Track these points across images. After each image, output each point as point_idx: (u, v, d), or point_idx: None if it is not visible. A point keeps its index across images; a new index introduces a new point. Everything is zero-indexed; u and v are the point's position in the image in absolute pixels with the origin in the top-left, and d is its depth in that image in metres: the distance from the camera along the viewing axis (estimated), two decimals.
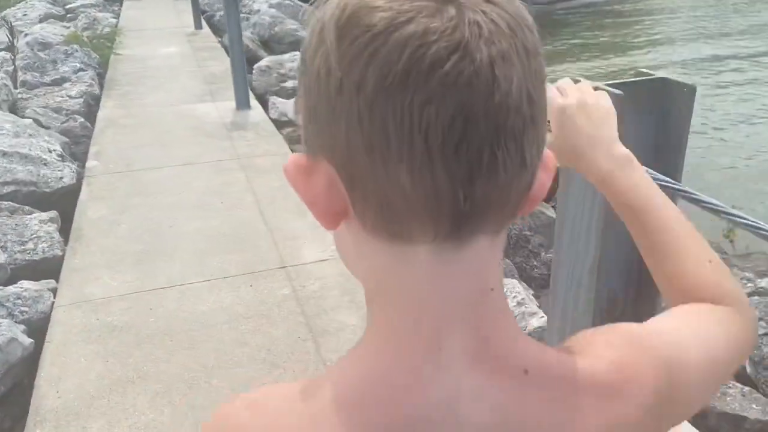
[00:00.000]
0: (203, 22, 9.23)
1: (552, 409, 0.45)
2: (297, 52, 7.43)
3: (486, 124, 0.38)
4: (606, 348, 0.49)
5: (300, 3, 10.86)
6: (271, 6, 9.99)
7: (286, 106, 5.43)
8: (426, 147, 0.38)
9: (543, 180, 0.45)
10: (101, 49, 7.13)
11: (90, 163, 4.20)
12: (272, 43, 8.65)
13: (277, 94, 6.00)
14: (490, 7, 0.40)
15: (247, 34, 8.28)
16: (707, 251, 0.65)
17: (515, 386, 0.44)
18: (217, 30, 9.36)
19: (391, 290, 0.44)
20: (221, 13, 10.30)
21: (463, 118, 0.38)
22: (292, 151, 4.54)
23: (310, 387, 0.46)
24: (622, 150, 0.70)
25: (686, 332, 0.56)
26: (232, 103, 5.38)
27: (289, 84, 6.13)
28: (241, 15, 10.26)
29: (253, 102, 5.46)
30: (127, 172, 4.05)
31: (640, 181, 0.68)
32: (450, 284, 0.43)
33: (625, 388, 0.47)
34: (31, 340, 2.45)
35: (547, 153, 0.45)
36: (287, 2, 10.72)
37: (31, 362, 2.41)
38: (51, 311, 2.65)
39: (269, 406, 0.47)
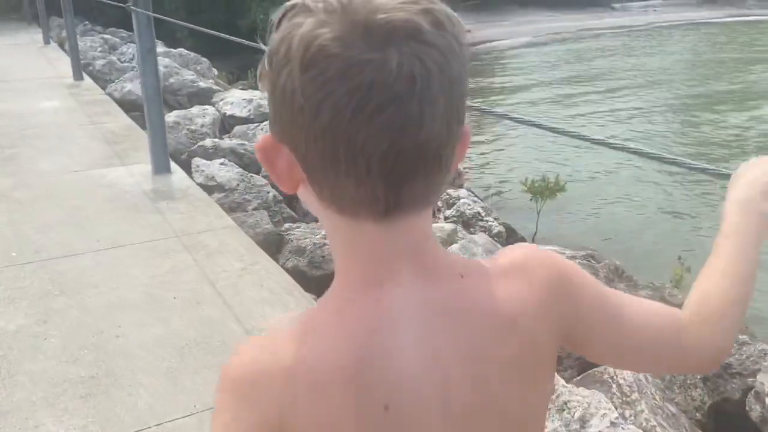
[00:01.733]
0: (83, 73, 8.26)
1: (483, 295, 0.62)
2: (206, 106, 6.78)
3: (413, 154, 0.53)
4: (513, 251, 0.68)
5: (192, 53, 10.17)
6: (160, 55, 9.22)
7: (212, 169, 4.79)
8: (367, 168, 0.53)
9: (460, 155, 0.60)
10: None
11: None
12: (167, 95, 7.88)
13: (194, 154, 5.32)
14: (426, 51, 0.52)
15: (130, 87, 7.49)
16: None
17: (455, 286, 0.61)
18: (99, 81, 8.42)
19: (348, 244, 0.60)
20: (100, 61, 9.34)
21: (395, 151, 0.53)
22: (234, 221, 3.93)
23: (305, 317, 0.62)
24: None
25: (600, 287, 0.69)
26: (148, 167, 4.65)
27: (208, 143, 5.47)
28: (122, 64, 9.38)
29: (172, 165, 4.76)
30: (39, 263, 3.24)
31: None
32: (391, 242, 0.58)
33: (521, 274, 0.64)
34: None
35: (464, 129, 0.59)
36: (178, 52, 9.97)
37: None
38: None
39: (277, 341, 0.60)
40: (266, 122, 6.63)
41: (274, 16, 0.56)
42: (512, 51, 19.96)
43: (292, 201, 4.78)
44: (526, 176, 6.68)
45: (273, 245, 4.08)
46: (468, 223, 4.44)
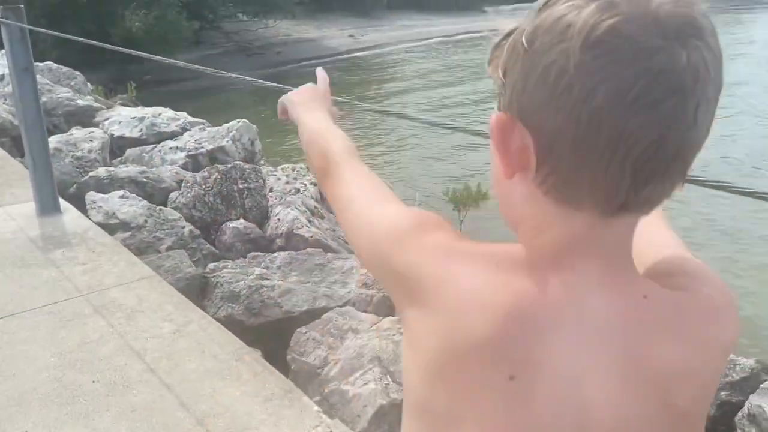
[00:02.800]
0: None
1: (664, 329, 0.58)
2: (91, 129, 5.97)
3: (672, 151, 0.53)
4: (702, 284, 0.62)
5: (64, 66, 9.11)
6: None
7: (111, 204, 4.11)
8: (623, 158, 0.52)
9: None
10: None
11: None
12: None
13: (86, 187, 4.59)
14: (708, 52, 0.51)
15: None
16: None
17: (634, 306, 0.57)
18: None
19: (547, 236, 0.58)
20: None
21: (659, 145, 0.52)
22: (148, 266, 3.32)
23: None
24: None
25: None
26: (31, 206, 3.91)
27: (101, 172, 4.74)
28: None
29: (62, 202, 4.03)
30: None
31: None
32: (603, 240, 0.57)
33: (719, 317, 0.61)
34: None
35: None
36: (46, 65, 8.90)
37: None
38: None
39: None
40: (164, 142, 5.95)
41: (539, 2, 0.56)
42: (407, 54, 20.02)
43: (209, 235, 4.21)
44: (448, 186, 6.47)
45: (197, 291, 3.51)
46: None
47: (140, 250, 3.79)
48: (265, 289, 3.34)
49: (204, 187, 4.29)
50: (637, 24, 0.50)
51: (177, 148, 5.68)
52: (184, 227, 3.99)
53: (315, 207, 4.67)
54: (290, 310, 3.21)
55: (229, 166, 4.39)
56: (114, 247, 3.50)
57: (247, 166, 4.49)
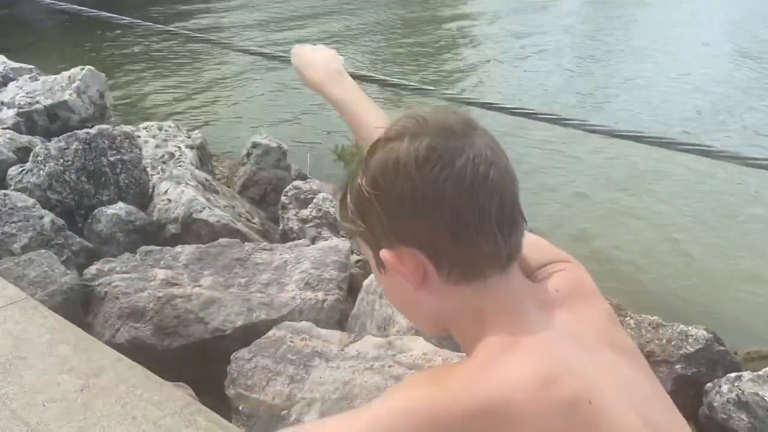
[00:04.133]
0: None
1: (578, 301, 0.79)
2: None
3: (512, 205, 0.71)
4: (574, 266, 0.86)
5: None
6: None
7: None
8: (490, 225, 0.69)
9: None
10: None
11: None
12: None
13: None
14: (485, 134, 0.73)
15: None
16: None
17: (564, 311, 0.75)
18: None
19: (479, 308, 0.72)
20: None
21: (502, 203, 0.70)
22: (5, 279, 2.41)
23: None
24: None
25: None
26: None
27: None
28: None
29: None
30: None
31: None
32: (515, 287, 0.73)
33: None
34: None
35: None
36: None
37: None
38: None
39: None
40: None
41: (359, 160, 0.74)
42: None
43: (74, 224, 3.27)
44: (336, 143, 5.87)
45: (77, 306, 2.66)
46: (335, 225, 3.49)
47: None
48: (179, 299, 2.59)
49: (62, 161, 3.31)
50: (442, 136, 0.70)
51: (2, 103, 4.46)
52: (42, 217, 3.03)
53: (206, 179, 3.86)
54: (220, 327, 2.52)
55: (92, 132, 3.41)
56: None
57: (115, 131, 3.54)
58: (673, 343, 3.18)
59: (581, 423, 0.63)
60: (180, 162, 4.24)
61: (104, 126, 3.59)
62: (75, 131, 3.45)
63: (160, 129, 4.73)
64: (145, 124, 4.86)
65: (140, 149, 3.64)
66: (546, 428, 0.61)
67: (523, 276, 0.76)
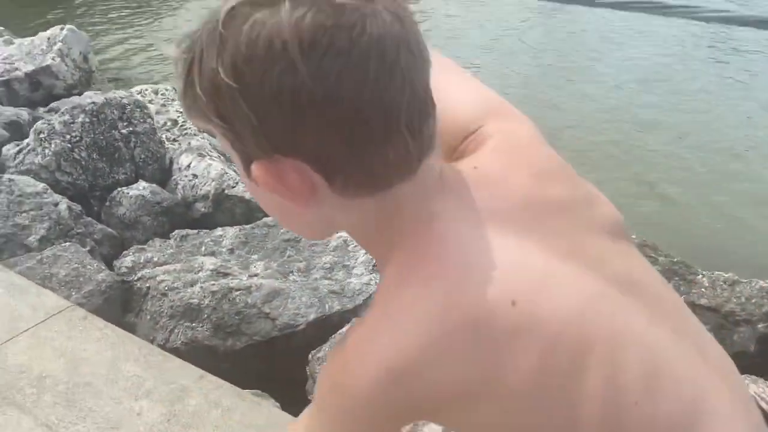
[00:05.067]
0: None
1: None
2: None
3: (423, 92, 0.56)
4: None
5: None
6: None
7: None
8: (397, 124, 0.53)
9: None
10: None
11: None
12: None
13: None
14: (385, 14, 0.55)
15: None
16: None
17: (486, 196, 0.64)
18: None
19: (387, 222, 0.59)
20: None
21: (414, 94, 0.54)
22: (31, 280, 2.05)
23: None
24: None
25: None
26: None
27: None
28: None
29: None
30: None
31: None
32: (426, 189, 0.59)
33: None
34: None
35: None
36: None
37: None
38: None
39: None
40: None
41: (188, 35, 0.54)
42: None
43: (90, 209, 2.87)
44: None
45: (118, 308, 2.32)
46: None
47: None
48: (237, 292, 2.26)
49: (69, 137, 2.88)
50: (328, 11, 0.49)
51: None
52: (57, 203, 2.62)
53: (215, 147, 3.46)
54: (290, 322, 2.20)
55: (98, 102, 2.98)
56: None
57: (124, 99, 3.10)
58: (753, 300, 2.99)
59: (508, 333, 0.56)
60: (185, 129, 3.82)
61: (111, 94, 3.15)
62: (76, 101, 3.02)
63: (156, 93, 4.27)
64: (138, 88, 4.38)
65: (152, 119, 3.22)
66: (461, 360, 0.56)
67: (441, 161, 0.62)
